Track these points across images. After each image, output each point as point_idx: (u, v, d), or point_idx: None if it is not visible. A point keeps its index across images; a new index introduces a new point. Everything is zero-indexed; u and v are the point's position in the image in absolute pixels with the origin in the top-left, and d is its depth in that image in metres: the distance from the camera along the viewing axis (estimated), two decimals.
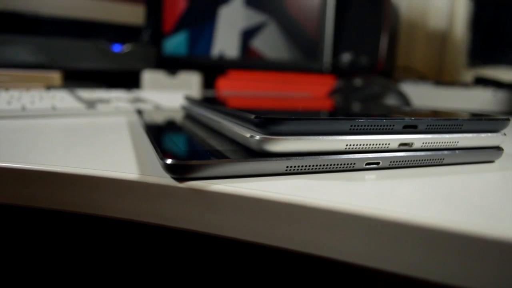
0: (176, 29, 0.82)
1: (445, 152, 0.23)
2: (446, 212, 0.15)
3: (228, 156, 0.19)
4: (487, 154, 0.25)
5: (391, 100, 0.59)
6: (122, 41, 0.75)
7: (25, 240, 0.37)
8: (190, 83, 0.74)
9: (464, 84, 0.75)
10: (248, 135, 0.20)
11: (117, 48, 0.74)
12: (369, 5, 0.80)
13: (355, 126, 0.20)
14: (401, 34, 1.04)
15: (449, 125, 0.23)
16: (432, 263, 0.14)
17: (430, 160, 0.23)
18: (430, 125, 0.22)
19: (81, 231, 0.37)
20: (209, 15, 0.82)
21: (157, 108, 0.45)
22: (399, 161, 0.22)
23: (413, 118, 0.22)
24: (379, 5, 0.79)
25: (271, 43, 0.80)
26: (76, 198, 0.20)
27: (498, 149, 0.25)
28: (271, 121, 0.19)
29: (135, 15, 0.78)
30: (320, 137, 0.20)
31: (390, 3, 0.83)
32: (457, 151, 0.23)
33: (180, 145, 0.22)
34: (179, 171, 0.18)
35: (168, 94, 0.58)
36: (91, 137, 0.29)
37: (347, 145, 0.20)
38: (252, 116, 0.19)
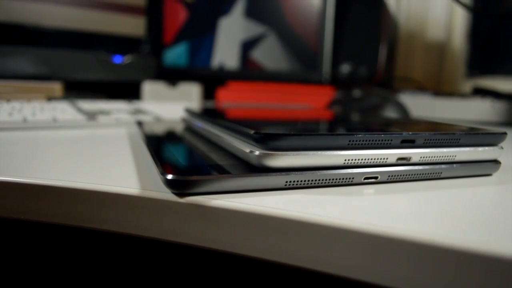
0: (177, 40, 0.83)
1: (443, 166, 0.23)
2: (443, 228, 0.15)
3: (228, 171, 0.19)
4: (485, 168, 0.25)
5: (390, 111, 0.59)
6: (123, 52, 0.76)
7: (25, 253, 0.37)
8: (190, 94, 0.74)
9: (462, 95, 0.76)
10: (247, 150, 0.20)
11: (117, 59, 0.74)
12: (368, 16, 0.81)
13: (353, 141, 0.21)
14: (400, 45, 1.05)
15: (447, 140, 0.23)
16: (428, 278, 0.14)
17: (428, 174, 0.23)
18: (428, 140, 0.23)
19: (82, 245, 0.37)
20: (209, 26, 0.83)
21: (157, 119, 0.46)
22: (397, 175, 0.22)
23: (410, 132, 0.22)
24: (378, 16, 0.80)
25: (270, 54, 0.81)
26: (76, 212, 0.21)
27: (495, 162, 0.25)
28: (270, 136, 0.19)
29: (135, 26, 0.79)
30: (319, 152, 0.20)
31: (389, 14, 0.83)
32: (454, 165, 0.24)
33: (180, 160, 0.22)
34: (179, 186, 0.18)
35: (168, 105, 0.59)
36: (92, 150, 0.29)
37: (345, 160, 0.20)
38: (252, 132, 0.20)
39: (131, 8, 0.79)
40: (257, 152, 0.19)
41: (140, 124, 0.39)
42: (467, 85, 0.96)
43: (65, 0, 0.72)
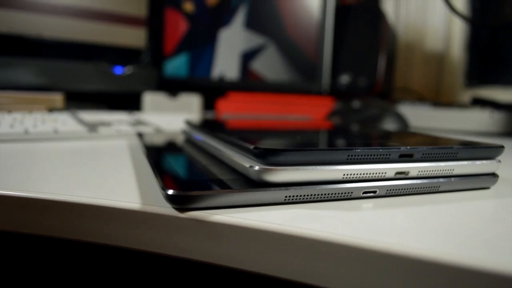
0: (177, 51, 0.84)
1: (441, 179, 0.23)
2: (441, 243, 0.16)
3: (228, 186, 0.20)
4: (483, 181, 0.25)
5: (389, 122, 0.60)
6: (124, 64, 0.76)
7: (25, 266, 0.37)
8: (191, 105, 0.74)
9: (461, 105, 0.76)
10: (247, 165, 0.20)
11: (118, 70, 0.75)
12: (367, 27, 0.82)
13: (352, 156, 0.21)
14: (398, 56, 1.06)
15: (444, 154, 0.23)
16: None
17: (426, 188, 0.23)
18: (426, 154, 0.23)
19: (82, 259, 0.37)
20: (209, 37, 0.83)
21: (158, 131, 0.46)
22: (396, 189, 0.22)
23: (409, 147, 0.22)
24: (377, 27, 0.81)
25: (270, 65, 0.82)
26: (77, 226, 0.21)
27: (493, 175, 0.25)
28: (270, 152, 0.19)
29: (136, 37, 0.80)
30: (318, 167, 0.20)
31: (388, 25, 0.84)
32: (452, 179, 0.24)
33: (181, 174, 0.23)
34: (180, 202, 0.18)
35: (169, 117, 0.59)
36: (93, 162, 0.30)
37: (344, 174, 0.21)
38: (252, 147, 0.20)
39: (132, 19, 0.79)
40: (256, 167, 0.19)
41: (140, 135, 0.39)
42: (466, 95, 0.97)
43: (67, 12, 0.73)
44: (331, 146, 0.22)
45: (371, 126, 0.58)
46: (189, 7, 0.84)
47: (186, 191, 0.18)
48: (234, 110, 0.72)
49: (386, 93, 0.92)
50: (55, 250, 0.37)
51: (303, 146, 0.21)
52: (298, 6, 0.80)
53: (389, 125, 0.60)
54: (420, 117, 0.69)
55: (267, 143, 0.21)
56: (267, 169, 0.19)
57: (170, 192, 0.18)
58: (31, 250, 0.37)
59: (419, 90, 1.03)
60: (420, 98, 0.98)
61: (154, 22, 0.83)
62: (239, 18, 0.82)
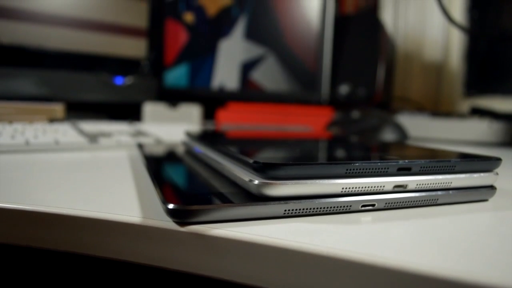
0: (177, 61, 0.84)
1: (439, 192, 0.24)
2: (439, 258, 0.16)
3: (228, 199, 0.20)
4: (481, 193, 0.25)
5: (388, 132, 0.60)
6: (124, 74, 0.77)
7: (24, 280, 0.37)
8: (191, 116, 0.75)
9: (460, 115, 0.77)
10: (247, 179, 0.20)
11: (119, 80, 0.75)
12: (366, 37, 0.82)
13: (350, 170, 0.21)
14: (397, 66, 1.06)
15: (442, 167, 0.24)
16: None
17: (424, 200, 0.23)
18: (424, 167, 0.23)
19: (81, 272, 0.37)
20: (209, 48, 0.84)
21: (158, 142, 0.46)
22: (394, 203, 0.22)
23: (407, 161, 0.22)
24: (376, 37, 0.81)
25: (270, 75, 0.82)
26: (78, 239, 0.21)
27: (491, 188, 0.25)
28: (270, 166, 0.19)
29: (137, 48, 0.80)
30: (317, 181, 0.20)
31: (387, 35, 0.85)
32: (450, 191, 0.24)
33: (181, 187, 0.23)
34: (180, 216, 0.19)
35: (169, 127, 0.59)
36: (93, 174, 0.30)
37: (343, 188, 0.21)
38: (251, 161, 0.20)
39: (133, 30, 0.80)
40: (256, 181, 0.20)
41: (141, 146, 0.40)
42: (465, 105, 0.97)
43: (67, 23, 0.73)
44: (330, 159, 0.23)
45: (370, 136, 0.58)
46: (189, 18, 0.84)
47: (186, 205, 0.18)
48: (234, 120, 0.72)
49: (385, 103, 0.92)
50: (54, 263, 0.37)
51: (302, 160, 0.21)
52: (297, 17, 0.81)
53: (388, 135, 0.60)
54: (419, 127, 0.70)
55: (267, 157, 0.22)
56: (267, 183, 0.19)
57: (171, 206, 0.18)
58: (31, 263, 0.37)
59: (418, 100, 1.04)
60: (419, 108, 0.99)
61: (154, 33, 0.84)
62: (239, 28, 0.83)
